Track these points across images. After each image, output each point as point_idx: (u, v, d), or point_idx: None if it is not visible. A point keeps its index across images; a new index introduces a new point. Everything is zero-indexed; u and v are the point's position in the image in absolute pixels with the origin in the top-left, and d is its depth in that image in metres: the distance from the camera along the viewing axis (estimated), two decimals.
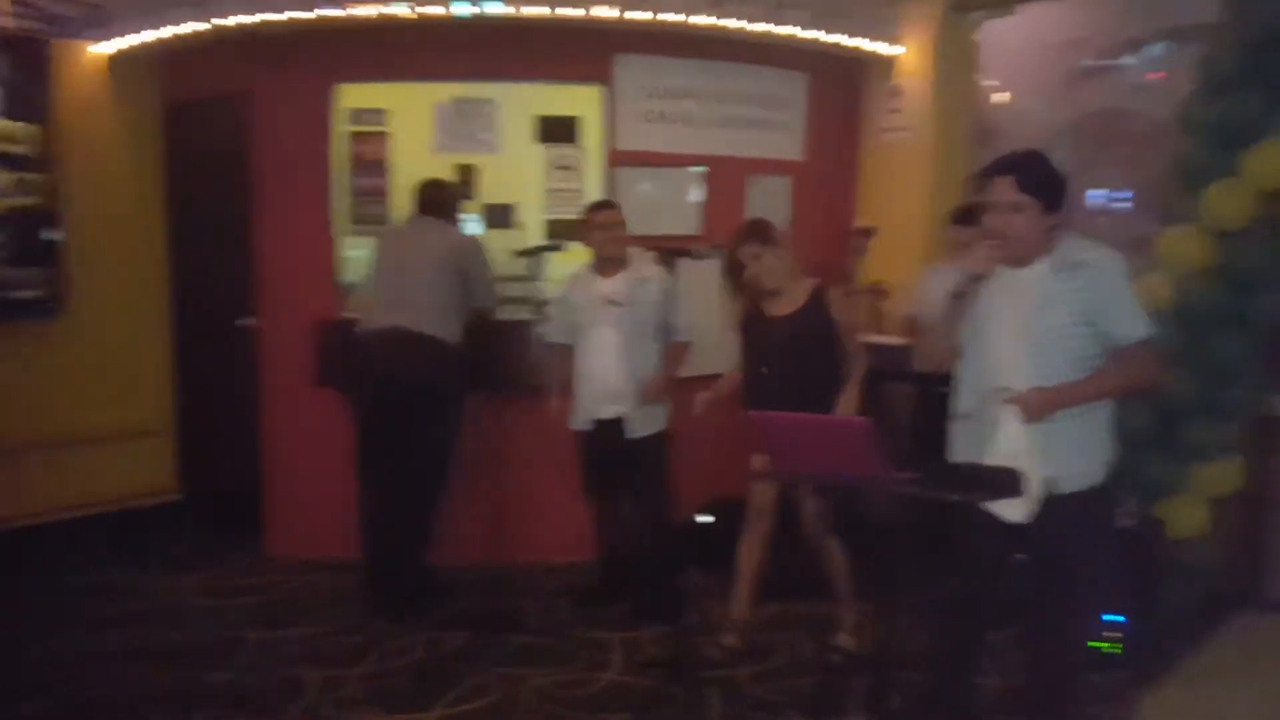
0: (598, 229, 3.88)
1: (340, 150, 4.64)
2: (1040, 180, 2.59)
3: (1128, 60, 5.05)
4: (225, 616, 4.05)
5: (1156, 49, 4.92)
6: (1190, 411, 3.57)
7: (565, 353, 3.99)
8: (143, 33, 4.62)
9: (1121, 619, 3.38)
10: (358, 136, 4.68)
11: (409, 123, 4.77)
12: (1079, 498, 2.66)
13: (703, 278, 4.11)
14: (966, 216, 3.92)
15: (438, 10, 4.16)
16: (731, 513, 4.30)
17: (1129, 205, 5.14)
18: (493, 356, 4.05)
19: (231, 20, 4.31)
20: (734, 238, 3.55)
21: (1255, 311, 3.53)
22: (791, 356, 3.44)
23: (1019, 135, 5.24)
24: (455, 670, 3.52)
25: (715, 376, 3.72)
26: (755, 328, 3.56)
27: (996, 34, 5.29)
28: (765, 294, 3.51)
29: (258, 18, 4.26)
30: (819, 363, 3.45)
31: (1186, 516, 3.63)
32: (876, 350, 3.94)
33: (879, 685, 2.45)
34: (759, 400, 3.52)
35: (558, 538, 4.51)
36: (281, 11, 4.23)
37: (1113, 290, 2.57)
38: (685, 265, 3.56)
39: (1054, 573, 2.78)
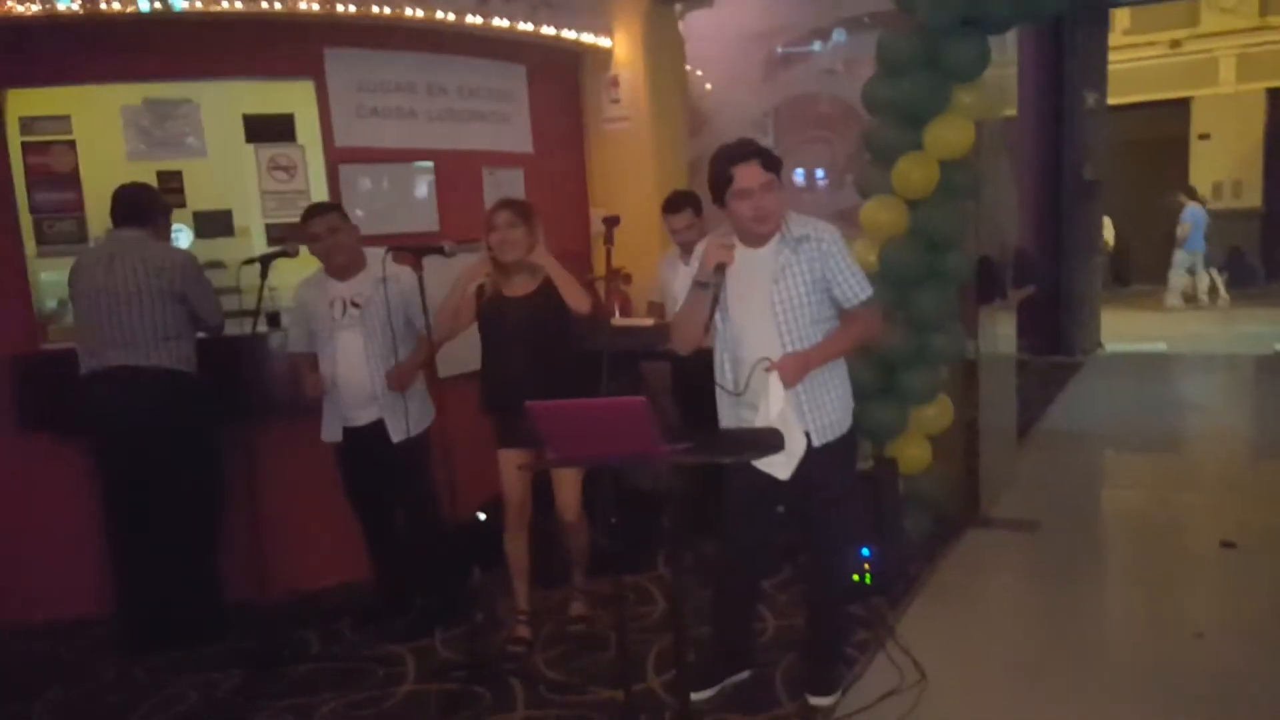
0: (313, 241, 3.67)
1: (16, 164, 4.08)
2: (774, 160, 2.83)
3: (815, 48, 5.56)
4: None
5: (839, 37, 5.44)
6: (904, 361, 4.01)
7: (309, 362, 3.79)
8: None
9: (869, 552, 3.73)
10: (36, 147, 4.13)
11: (96, 129, 4.28)
12: (833, 446, 2.94)
13: (454, 274, 4.01)
14: (675, 205, 4.18)
15: (114, 7, 3.77)
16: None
17: (826, 181, 5.67)
18: (230, 378, 3.73)
19: None
20: (496, 204, 3.58)
21: (947, 268, 4.01)
22: (528, 337, 3.50)
23: (727, 122, 5.63)
24: (237, 711, 3.29)
25: (475, 373, 3.68)
26: (491, 304, 3.59)
27: (699, 25, 5.62)
28: (503, 270, 3.55)
29: None
30: (555, 344, 3.52)
31: (912, 454, 4.08)
32: (629, 332, 4.07)
33: (677, 645, 2.54)
34: (499, 382, 3.56)
35: (329, 560, 4.28)
36: None
37: (835, 259, 2.85)
38: (434, 262, 3.43)
39: (818, 517, 3.05)
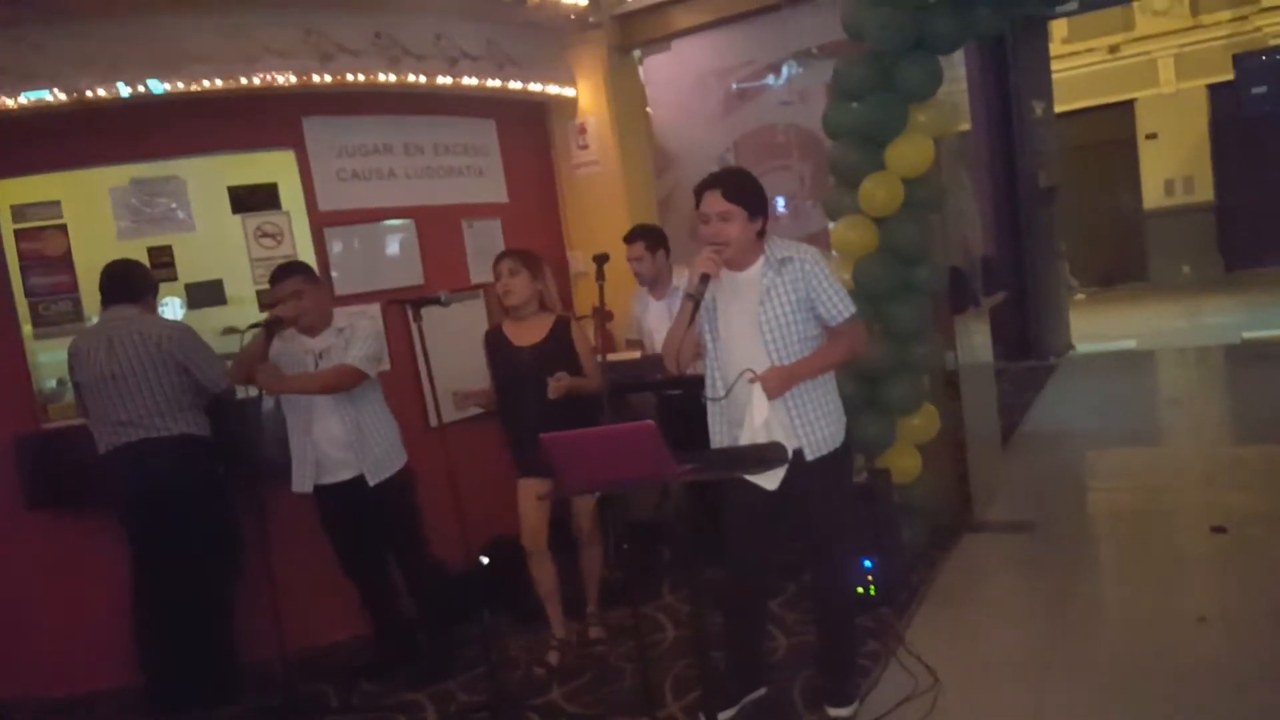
0: (279, 303, 3.73)
1: (9, 251, 4.19)
2: (742, 191, 2.96)
3: (769, 81, 5.75)
4: None
5: (791, 69, 5.64)
6: (887, 374, 4.14)
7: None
8: None
9: (871, 564, 3.82)
10: (29, 233, 4.24)
11: (86, 212, 4.40)
12: (828, 460, 3.04)
13: (454, 323, 4.14)
14: (630, 235, 4.43)
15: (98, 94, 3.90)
16: (508, 550, 4.37)
17: (794, 207, 5.83)
18: (238, 440, 3.82)
19: None
20: (500, 253, 3.88)
21: (919, 281, 4.16)
22: (540, 383, 3.63)
23: (692, 159, 5.80)
24: None
25: (477, 418, 3.78)
26: (502, 354, 3.78)
27: (658, 69, 5.81)
28: (508, 314, 3.78)
29: None
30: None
31: (902, 464, 4.20)
32: (616, 367, 4.18)
33: (700, 667, 2.62)
34: (517, 423, 3.70)
35: (339, 614, 4.29)
36: None
37: (817, 279, 2.98)
38: (434, 313, 3.54)
39: (818, 532, 3.15)
